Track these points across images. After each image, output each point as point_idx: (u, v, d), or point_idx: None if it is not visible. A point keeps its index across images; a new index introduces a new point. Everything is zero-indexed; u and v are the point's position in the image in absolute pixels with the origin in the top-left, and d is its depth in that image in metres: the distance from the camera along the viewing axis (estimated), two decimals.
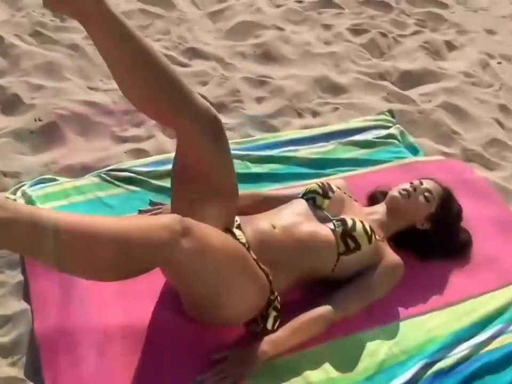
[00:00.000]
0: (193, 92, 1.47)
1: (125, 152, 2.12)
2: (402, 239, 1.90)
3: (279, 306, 1.59)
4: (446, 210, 1.89)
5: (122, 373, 1.45)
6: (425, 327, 1.71)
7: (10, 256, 1.70)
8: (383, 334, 1.66)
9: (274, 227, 1.66)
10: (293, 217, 1.71)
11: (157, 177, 2.01)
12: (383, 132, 2.43)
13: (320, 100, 2.62)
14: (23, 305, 1.58)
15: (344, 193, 1.87)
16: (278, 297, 1.60)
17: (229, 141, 2.12)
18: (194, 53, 2.76)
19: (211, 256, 1.36)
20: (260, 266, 1.56)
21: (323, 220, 1.75)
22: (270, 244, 1.63)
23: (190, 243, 1.29)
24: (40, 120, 2.20)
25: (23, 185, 1.89)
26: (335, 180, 1.99)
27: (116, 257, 1.17)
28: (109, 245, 1.16)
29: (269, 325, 1.57)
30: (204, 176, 1.52)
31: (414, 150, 2.40)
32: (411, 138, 2.43)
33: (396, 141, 2.40)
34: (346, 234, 1.69)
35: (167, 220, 1.28)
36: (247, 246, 1.59)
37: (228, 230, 1.60)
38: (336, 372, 1.55)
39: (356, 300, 1.68)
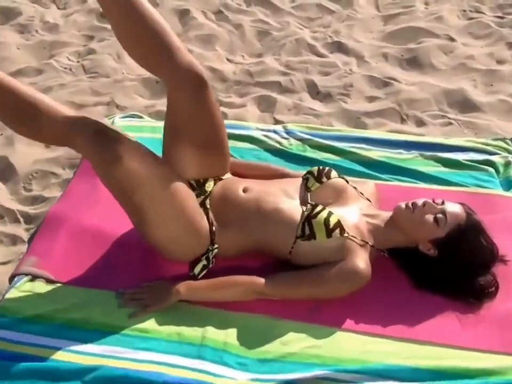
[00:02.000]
0: (180, 48, 1.61)
1: None
2: (401, 257, 1.68)
3: (211, 258, 1.66)
4: (461, 242, 1.60)
5: (79, 258, 1.72)
6: (365, 348, 1.52)
7: (74, 160, 2.15)
8: (312, 333, 1.55)
9: (244, 190, 1.71)
10: (273, 190, 1.71)
11: None
12: (481, 157, 2.10)
13: (438, 112, 2.39)
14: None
15: (355, 188, 1.75)
16: (215, 250, 1.66)
17: (303, 125, 2.23)
18: (338, 47, 2.81)
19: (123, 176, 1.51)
20: (208, 216, 1.65)
21: (303, 202, 1.71)
22: (230, 202, 1.68)
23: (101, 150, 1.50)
24: None
25: (116, 116, 2.33)
26: (367, 182, 1.87)
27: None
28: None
29: (196, 271, 1.65)
30: (181, 127, 1.67)
31: (508, 185, 2.01)
32: None
33: (491, 169, 2.05)
34: (307, 220, 1.62)
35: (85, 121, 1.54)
36: (206, 194, 1.70)
37: (196, 181, 1.72)
38: (235, 340, 1.54)
39: (296, 286, 1.60)
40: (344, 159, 2.12)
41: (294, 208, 1.67)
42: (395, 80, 2.58)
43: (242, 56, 2.83)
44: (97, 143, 1.53)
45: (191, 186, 1.72)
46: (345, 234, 1.61)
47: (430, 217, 1.63)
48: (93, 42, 2.93)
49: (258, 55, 2.82)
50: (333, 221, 1.61)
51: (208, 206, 1.68)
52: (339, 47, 2.82)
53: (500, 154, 2.14)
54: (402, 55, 2.75)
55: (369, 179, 2.00)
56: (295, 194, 1.72)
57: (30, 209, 2.00)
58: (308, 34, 2.91)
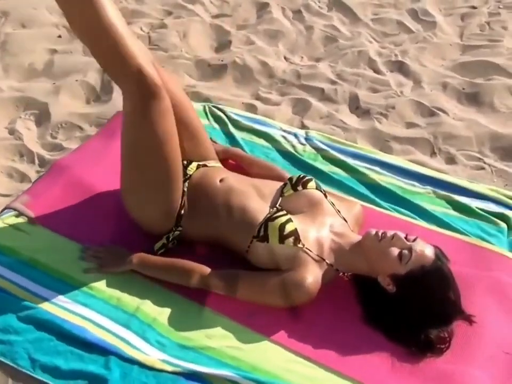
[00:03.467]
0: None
1: (242, 103, 2.41)
2: (360, 284, 1.60)
3: (171, 238, 1.71)
4: (420, 285, 1.51)
5: (64, 207, 1.83)
6: (287, 365, 1.49)
7: (102, 120, 2.27)
8: (241, 335, 1.55)
9: (220, 181, 1.73)
10: (247, 187, 1.73)
11: (237, 127, 2.23)
12: (498, 209, 1.93)
13: (475, 153, 2.22)
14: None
15: (333, 204, 1.71)
16: (177, 233, 1.70)
17: (325, 135, 2.22)
18: (399, 67, 2.68)
19: (147, 132, 1.55)
20: (182, 198, 1.69)
21: (272, 205, 1.69)
22: (204, 189, 1.73)
23: (149, 102, 1.52)
24: (222, 60, 2.68)
25: None
26: (354, 202, 1.80)
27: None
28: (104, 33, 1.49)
29: (156, 247, 1.71)
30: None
31: None
32: None
33: (502, 225, 1.88)
34: (264, 222, 1.61)
35: (152, 71, 1.53)
36: (186, 177, 1.75)
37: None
38: (165, 319, 1.58)
39: (239, 285, 1.60)
40: (350, 177, 2.06)
41: (259, 209, 1.66)
42: (443, 111, 2.43)
43: (302, 57, 2.81)
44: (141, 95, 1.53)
45: None
46: (299, 245, 1.58)
47: (394, 251, 1.54)
48: (168, 18, 3.06)
49: (317, 59, 2.78)
50: (289, 228, 1.58)
51: (185, 189, 1.72)
52: (400, 67, 2.70)
53: None
54: (463, 88, 2.58)
55: (366, 202, 1.94)
56: (269, 196, 1.71)
57: (47, 154, 2.16)
58: (374, 49, 2.81)
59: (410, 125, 2.39)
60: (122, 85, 1.58)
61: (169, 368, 1.45)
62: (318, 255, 1.59)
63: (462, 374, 1.46)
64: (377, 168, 2.10)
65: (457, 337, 1.54)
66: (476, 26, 3.07)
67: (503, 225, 1.90)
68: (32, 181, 2.04)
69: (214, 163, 1.83)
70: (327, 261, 1.60)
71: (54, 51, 2.74)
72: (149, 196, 1.65)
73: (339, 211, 1.72)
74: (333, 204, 1.72)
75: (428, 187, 2.04)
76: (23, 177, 2.07)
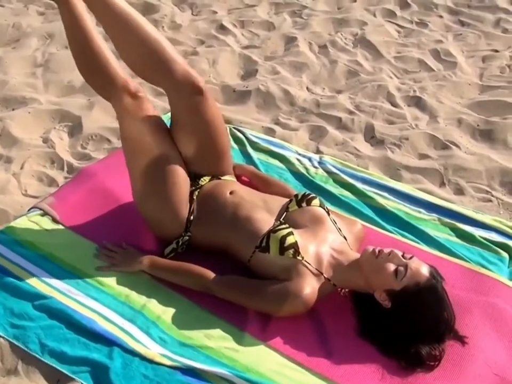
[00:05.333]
0: (176, 60, 1.80)
1: (262, 127, 2.53)
2: (357, 299, 1.66)
3: (180, 243, 1.81)
4: (415, 301, 1.56)
5: (85, 211, 1.97)
6: (280, 369, 1.55)
7: None
8: (238, 338, 1.62)
9: (231, 193, 1.83)
10: (256, 200, 1.83)
11: (255, 148, 2.36)
12: (500, 239, 1.96)
13: (484, 186, 2.27)
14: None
15: (335, 222, 1.79)
16: (186, 238, 1.80)
17: (338, 160, 2.29)
18: (416, 102, 2.78)
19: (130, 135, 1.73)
20: (191, 206, 1.79)
21: (277, 218, 1.77)
22: (214, 200, 1.83)
23: (126, 103, 1.71)
24: (246, 87, 2.82)
25: None
26: (355, 221, 1.88)
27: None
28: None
29: (166, 251, 1.82)
30: (184, 128, 1.84)
31: None
32: None
33: (504, 254, 1.92)
34: (267, 234, 1.70)
35: (129, 80, 1.73)
36: (198, 187, 1.86)
37: (195, 173, 1.87)
38: (168, 318, 1.67)
39: (239, 291, 1.69)
40: (358, 200, 2.14)
41: (265, 221, 1.75)
42: (456, 145, 2.50)
43: (323, 88, 2.93)
44: (128, 101, 1.73)
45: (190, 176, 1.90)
46: (299, 257, 1.65)
47: (390, 267, 1.60)
48: (201, 47, 3.25)
49: (338, 91, 2.90)
50: (289, 240, 1.66)
51: (194, 198, 1.84)
52: (417, 103, 2.79)
53: None
54: (478, 125, 2.65)
55: (371, 225, 2.01)
56: (275, 210, 1.80)
57: (75, 162, 2.32)
58: (394, 84, 2.92)
59: (422, 156, 2.47)
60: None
61: (168, 362, 1.53)
62: (316, 269, 1.66)
63: None
64: (385, 194, 2.17)
65: (449, 356, 1.58)
66: (496, 68, 3.16)
67: (505, 254, 1.94)
68: (59, 185, 2.19)
69: (228, 177, 1.94)
70: (325, 275, 1.67)
71: None
72: (156, 206, 1.77)
73: (340, 229, 1.79)
74: (335, 222, 1.80)
75: (434, 214, 2.10)
76: (51, 182, 2.22)
